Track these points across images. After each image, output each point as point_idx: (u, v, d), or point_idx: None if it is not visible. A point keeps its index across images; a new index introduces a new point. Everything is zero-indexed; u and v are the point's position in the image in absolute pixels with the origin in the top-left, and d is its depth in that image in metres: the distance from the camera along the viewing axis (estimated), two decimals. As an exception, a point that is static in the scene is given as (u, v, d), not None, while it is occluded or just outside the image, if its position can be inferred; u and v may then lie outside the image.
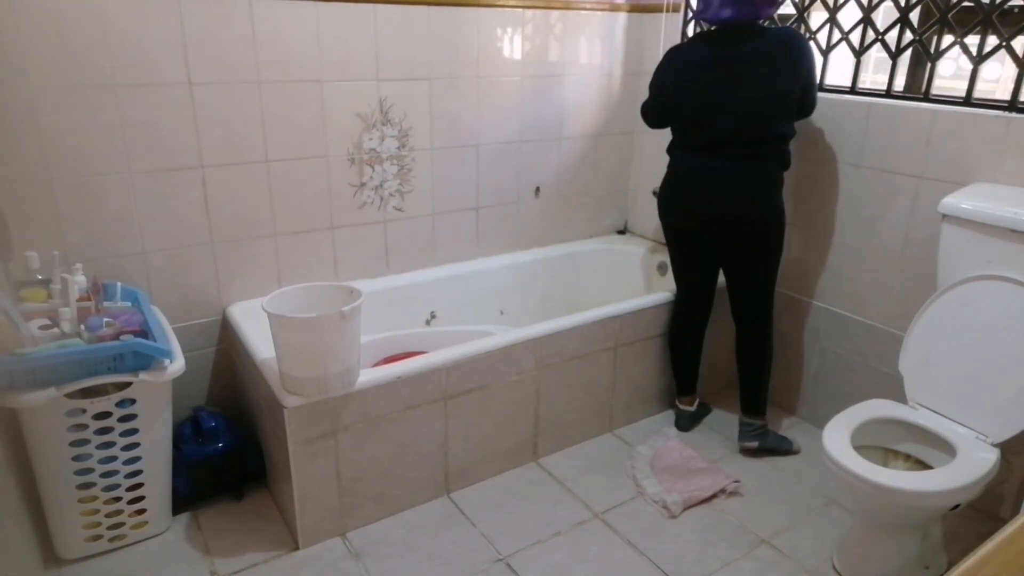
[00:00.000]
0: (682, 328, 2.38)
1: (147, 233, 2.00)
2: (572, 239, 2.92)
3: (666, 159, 2.21)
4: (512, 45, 2.48)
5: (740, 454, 2.31)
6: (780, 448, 2.29)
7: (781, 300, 2.43)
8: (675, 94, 2.11)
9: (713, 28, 2.09)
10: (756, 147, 2.02)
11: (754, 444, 2.27)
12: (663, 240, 2.90)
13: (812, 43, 2.27)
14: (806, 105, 2.08)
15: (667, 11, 2.67)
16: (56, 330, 1.65)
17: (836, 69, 2.30)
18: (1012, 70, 1.85)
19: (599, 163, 2.88)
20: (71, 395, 1.60)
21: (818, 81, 2.14)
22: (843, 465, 1.63)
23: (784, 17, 2.36)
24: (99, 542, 1.81)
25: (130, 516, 1.83)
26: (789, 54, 1.97)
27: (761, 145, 2.02)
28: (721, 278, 2.32)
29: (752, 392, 2.26)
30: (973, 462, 1.65)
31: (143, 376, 1.67)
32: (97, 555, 1.81)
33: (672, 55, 2.14)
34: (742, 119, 1.99)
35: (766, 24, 2.09)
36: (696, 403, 2.46)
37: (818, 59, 2.31)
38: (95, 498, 1.76)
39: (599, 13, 2.64)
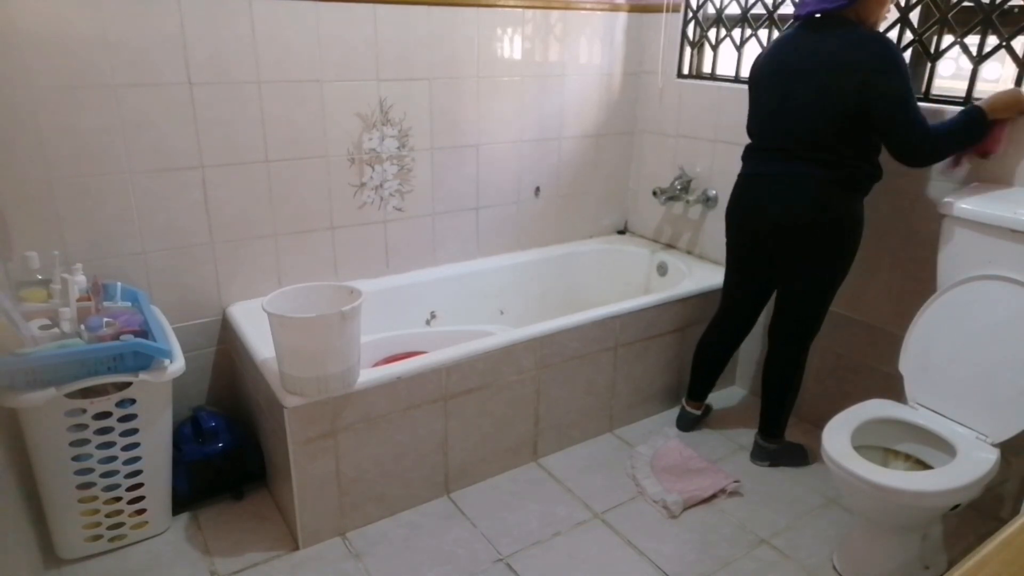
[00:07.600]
0: (712, 344, 2.33)
1: (147, 233, 2.00)
2: (572, 239, 2.92)
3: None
4: (512, 45, 2.48)
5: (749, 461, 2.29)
6: (793, 464, 2.25)
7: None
8: (750, 82, 2.04)
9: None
10: (807, 151, 1.87)
11: (765, 463, 2.25)
12: (663, 240, 2.92)
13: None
14: (885, 137, 1.78)
15: (667, 11, 2.66)
16: (56, 330, 1.65)
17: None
18: (1012, 70, 1.85)
19: (599, 163, 2.88)
20: (71, 395, 1.60)
21: (911, 115, 1.72)
22: (843, 465, 1.63)
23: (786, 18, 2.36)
24: (99, 542, 1.81)
25: (130, 516, 1.83)
26: (851, 63, 1.74)
27: (816, 150, 1.86)
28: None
29: (771, 416, 2.21)
30: (973, 462, 1.65)
31: (143, 376, 1.67)
32: (97, 555, 1.81)
33: (772, 44, 2.00)
34: (789, 119, 1.89)
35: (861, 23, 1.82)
36: (703, 408, 2.46)
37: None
38: (95, 498, 1.76)
39: (599, 13, 2.64)
